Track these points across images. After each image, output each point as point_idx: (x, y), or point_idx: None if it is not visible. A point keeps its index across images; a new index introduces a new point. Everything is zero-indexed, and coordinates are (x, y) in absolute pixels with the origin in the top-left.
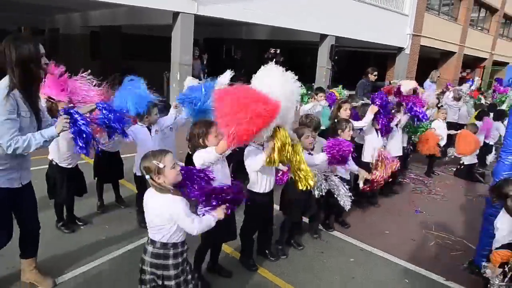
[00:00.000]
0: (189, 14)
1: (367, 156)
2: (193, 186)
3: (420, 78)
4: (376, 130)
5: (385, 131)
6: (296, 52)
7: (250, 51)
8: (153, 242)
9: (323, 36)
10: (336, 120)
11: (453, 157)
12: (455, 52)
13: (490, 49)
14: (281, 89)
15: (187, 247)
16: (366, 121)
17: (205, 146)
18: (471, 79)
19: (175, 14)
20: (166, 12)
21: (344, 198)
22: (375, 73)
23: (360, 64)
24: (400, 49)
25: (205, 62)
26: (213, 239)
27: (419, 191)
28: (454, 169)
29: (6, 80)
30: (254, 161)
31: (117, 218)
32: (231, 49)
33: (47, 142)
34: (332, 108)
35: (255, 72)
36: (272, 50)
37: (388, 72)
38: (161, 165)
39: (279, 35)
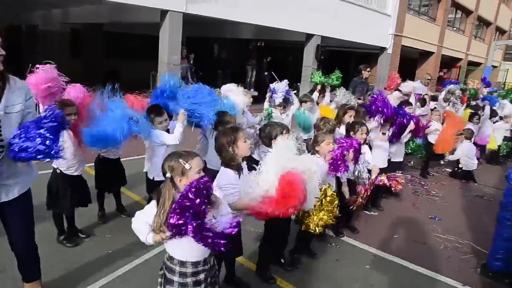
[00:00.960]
0: (178, 12)
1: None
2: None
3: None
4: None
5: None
6: (281, 52)
7: (234, 51)
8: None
9: (309, 36)
10: (350, 122)
11: (448, 161)
12: (434, 52)
13: (466, 50)
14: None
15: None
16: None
17: (235, 154)
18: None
19: (163, 12)
20: (154, 10)
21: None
22: (368, 69)
23: (343, 64)
24: (383, 49)
25: (191, 62)
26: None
27: (418, 193)
28: (450, 171)
29: None
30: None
31: (121, 228)
32: (214, 48)
33: None
34: (337, 112)
35: (239, 72)
36: (258, 43)
37: (371, 71)
38: (187, 166)
39: (263, 35)
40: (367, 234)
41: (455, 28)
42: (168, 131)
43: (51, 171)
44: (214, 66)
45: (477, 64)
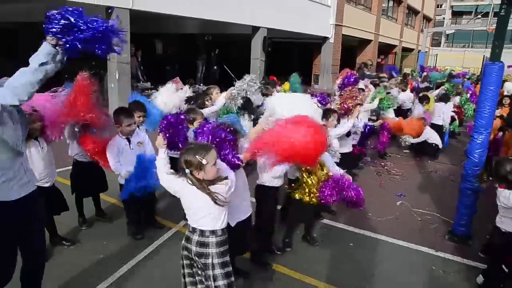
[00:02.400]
0: (124, 9)
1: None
2: None
3: (343, 65)
4: None
5: None
6: (228, 45)
7: (180, 46)
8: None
9: (255, 28)
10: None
11: (407, 144)
12: (371, 40)
13: (399, 37)
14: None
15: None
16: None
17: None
18: (393, 65)
19: (108, 9)
20: (98, 7)
21: None
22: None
23: (287, 55)
24: (325, 39)
25: (139, 59)
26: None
27: (381, 173)
28: (408, 151)
29: None
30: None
31: (106, 233)
32: (158, 44)
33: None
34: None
35: (186, 67)
36: (206, 38)
37: (315, 60)
38: (204, 161)
39: (209, 29)
40: (343, 215)
41: (389, 17)
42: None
43: None
44: (160, 62)
45: (410, 50)
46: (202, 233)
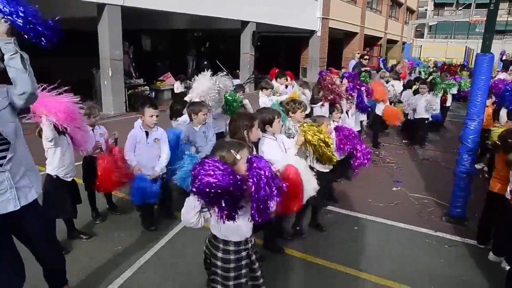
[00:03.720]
0: (116, 5)
1: None
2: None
3: (330, 58)
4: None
5: None
6: (218, 40)
7: (169, 42)
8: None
9: (244, 23)
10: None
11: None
12: (357, 33)
13: (384, 29)
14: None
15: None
16: None
17: (248, 138)
18: (382, 58)
19: (100, 6)
20: (89, 4)
21: None
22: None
23: (275, 49)
24: (313, 32)
25: (131, 56)
26: None
27: (376, 162)
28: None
29: None
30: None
31: (120, 225)
32: (147, 40)
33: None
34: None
35: (176, 63)
36: (195, 34)
37: (303, 54)
38: (238, 157)
39: (197, 24)
40: (346, 202)
41: (373, 9)
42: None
43: None
44: (150, 59)
45: (394, 42)
46: None
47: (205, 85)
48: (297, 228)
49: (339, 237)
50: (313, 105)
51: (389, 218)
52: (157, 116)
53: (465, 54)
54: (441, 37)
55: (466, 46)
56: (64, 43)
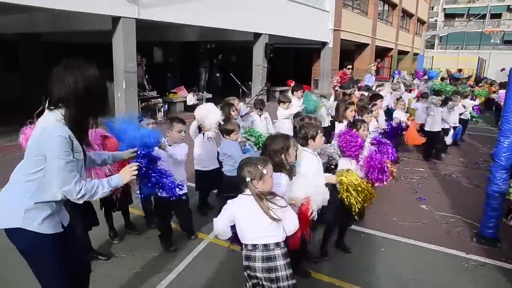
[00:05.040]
0: (131, 18)
1: None
2: None
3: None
4: None
5: None
6: (230, 52)
7: (181, 54)
8: (265, 246)
9: (257, 35)
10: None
11: None
12: (368, 44)
13: (395, 40)
14: None
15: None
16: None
17: (286, 161)
18: (398, 70)
19: (115, 19)
20: (104, 17)
21: None
22: (349, 66)
23: (287, 60)
24: (324, 44)
25: (144, 68)
26: None
27: (397, 177)
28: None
29: (56, 115)
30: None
31: (138, 245)
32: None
33: (111, 191)
34: (338, 107)
35: (188, 75)
36: (208, 46)
37: (314, 66)
38: (265, 171)
39: (210, 36)
40: (369, 221)
41: (384, 21)
42: None
43: None
44: (162, 71)
45: (405, 53)
46: (266, 247)
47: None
48: (324, 249)
49: (367, 259)
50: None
51: (417, 239)
52: (184, 131)
53: (478, 65)
54: (452, 47)
55: (479, 57)
56: (77, 56)
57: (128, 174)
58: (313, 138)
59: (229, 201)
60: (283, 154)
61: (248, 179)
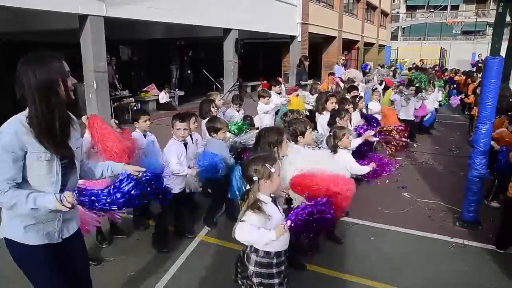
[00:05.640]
0: (98, 16)
1: None
2: None
3: (310, 63)
4: None
5: None
6: (200, 48)
7: (149, 51)
8: (256, 251)
9: (227, 31)
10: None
11: None
12: (336, 37)
13: (361, 32)
14: None
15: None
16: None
17: (278, 154)
18: (365, 63)
19: (82, 18)
20: (72, 15)
21: None
22: (308, 59)
23: (256, 55)
24: (293, 38)
25: (114, 67)
26: None
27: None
28: None
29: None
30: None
31: (128, 249)
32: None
33: (37, 211)
34: (319, 99)
35: (158, 73)
36: (178, 43)
37: (284, 59)
38: (273, 170)
39: (179, 33)
40: (356, 211)
41: (350, 13)
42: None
43: None
44: (130, 69)
45: (371, 45)
46: None
47: None
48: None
49: (359, 249)
50: (317, 113)
51: (403, 226)
52: (185, 128)
53: (440, 55)
54: (415, 38)
55: (441, 48)
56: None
57: (59, 203)
58: (303, 134)
59: None
60: (276, 147)
61: (255, 178)
